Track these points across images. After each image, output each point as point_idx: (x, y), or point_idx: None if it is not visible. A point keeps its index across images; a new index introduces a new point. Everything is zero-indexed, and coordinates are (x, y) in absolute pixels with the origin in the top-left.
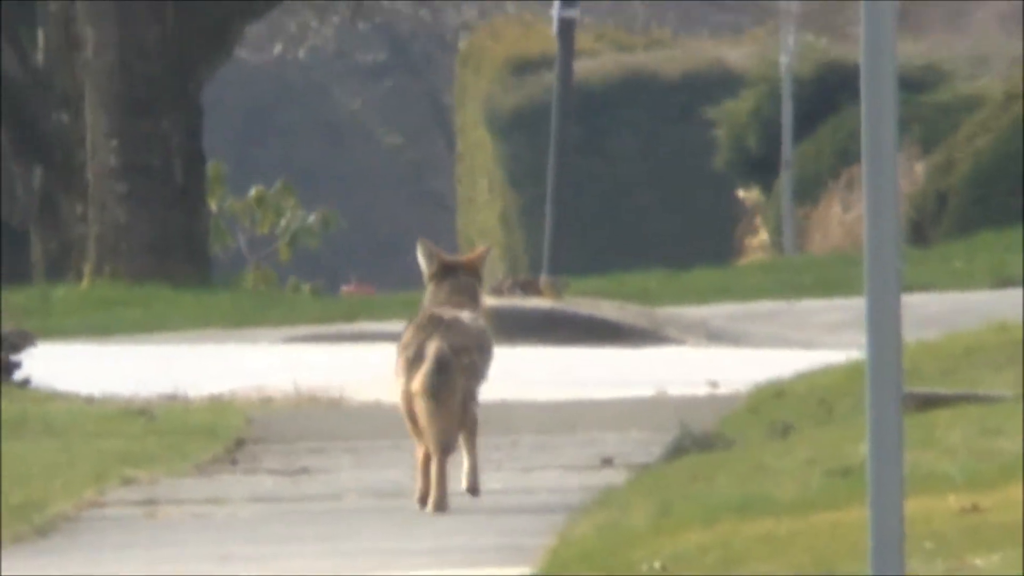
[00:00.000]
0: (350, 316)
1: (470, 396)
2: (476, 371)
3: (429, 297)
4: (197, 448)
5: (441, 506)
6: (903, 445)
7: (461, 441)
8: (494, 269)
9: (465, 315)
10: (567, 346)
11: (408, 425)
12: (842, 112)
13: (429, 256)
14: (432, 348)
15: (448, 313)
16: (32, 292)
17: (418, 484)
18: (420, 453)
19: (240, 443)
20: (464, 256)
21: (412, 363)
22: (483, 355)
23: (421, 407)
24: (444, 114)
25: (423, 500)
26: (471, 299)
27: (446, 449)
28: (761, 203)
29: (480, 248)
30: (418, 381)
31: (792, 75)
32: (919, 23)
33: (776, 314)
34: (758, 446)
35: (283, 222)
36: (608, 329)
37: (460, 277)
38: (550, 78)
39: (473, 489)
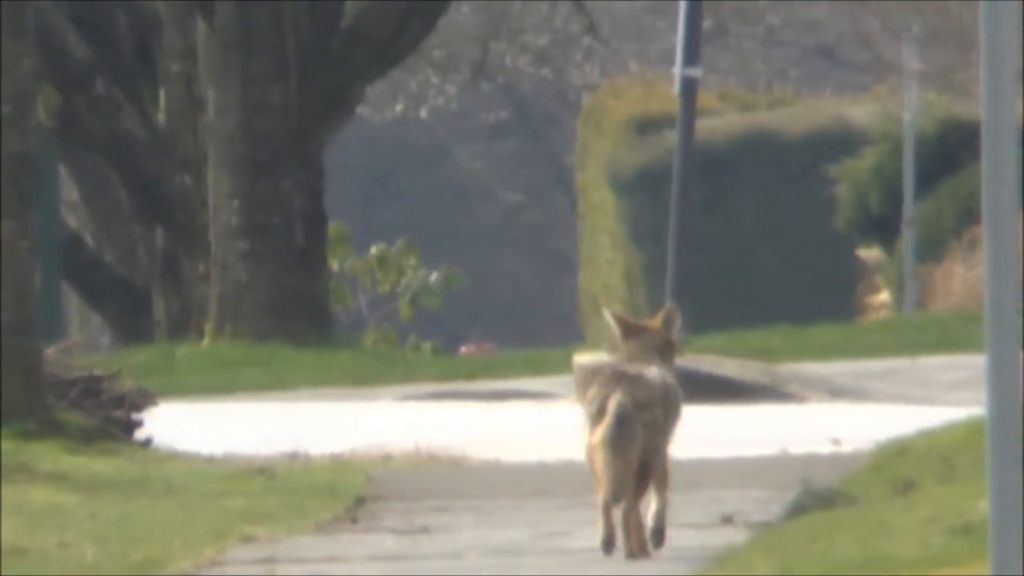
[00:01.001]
0: (470, 375)
1: (654, 451)
2: (658, 426)
3: (619, 357)
4: (317, 506)
5: (635, 555)
6: None
7: (652, 488)
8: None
9: (651, 371)
10: (688, 403)
11: (593, 479)
12: (964, 170)
13: (615, 320)
14: (613, 403)
15: (633, 368)
16: (154, 351)
17: (601, 527)
18: (600, 497)
19: (360, 501)
20: (650, 320)
21: (594, 417)
22: (668, 411)
23: (599, 457)
24: (565, 173)
25: (606, 544)
26: (658, 357)
27: (617, 498)
28: (882, 261)
29: (662, 311)
30: (598, 434)
31: (915, 133)
32: None
33: (898, 371)
34: (880, 504)
35: (404, 281)
36: (729, 386)
37: (648, 337)
38: (672, 137)
39: (657, 533)
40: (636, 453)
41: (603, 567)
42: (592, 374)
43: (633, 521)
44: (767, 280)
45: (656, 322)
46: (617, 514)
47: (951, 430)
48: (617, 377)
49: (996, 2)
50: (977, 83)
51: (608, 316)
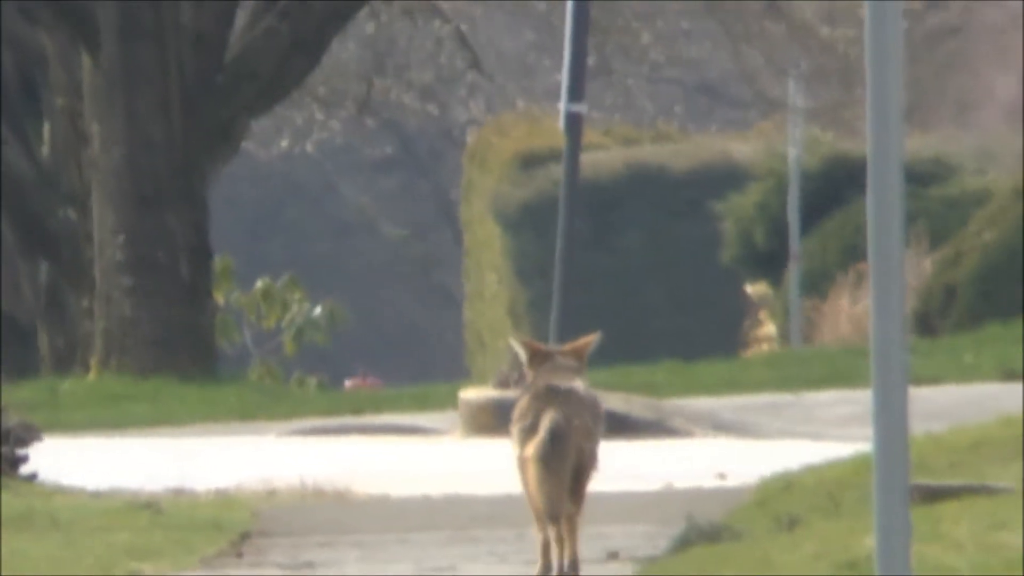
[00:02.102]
0: (356, 409)
1: (588, 459)
2: (591, 432)
3: (527, 384)
4: (203, 542)
5: (574, 570)
6: (910, 539)
7: (565, 529)
8: (501, 361)
9: (579, 385)
10: None
11: (526, 495)
12: (850, 206)
13: (522, 346)
14: (547, 419)
15: (564, 384)
16: (39, 386)
17: (540, 563)
18: (540, 537)
19: (246, 537)
20: (567, 344)
21: (527, 432)
22: (596, 422)
23: (533, 474)
24: (451, 209)
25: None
26: (572, 377)
27: (553, 516)
28: (768, 296)
29: (587, 337)
30: (531, 448)
31: (800, 168)
32: (926, 118)
33: (784, 406)
34: (765, 539)
35: (289, 316)
36: (615, 421)
37: (557, 359)
38: (557, 172)
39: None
40: (569, 468)
41: None
42: (523, 392)
43: (566, 536)
44: (653, 315)
45: (575, 344)
46: (549, 542)
47: (837, 465)
48: (550, 393)
49: (882, 39)
50: (862, 120)
51: (516, 344)
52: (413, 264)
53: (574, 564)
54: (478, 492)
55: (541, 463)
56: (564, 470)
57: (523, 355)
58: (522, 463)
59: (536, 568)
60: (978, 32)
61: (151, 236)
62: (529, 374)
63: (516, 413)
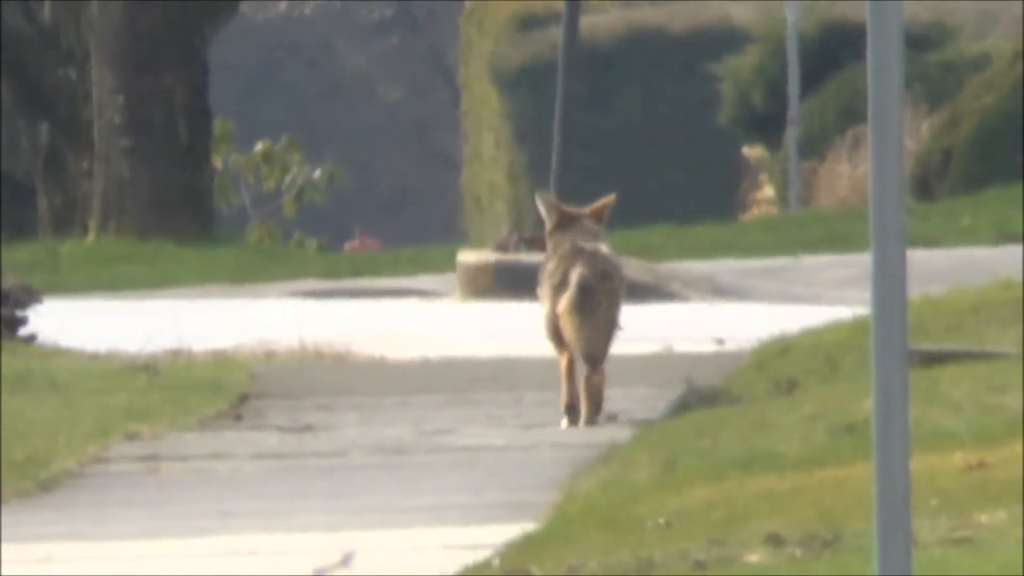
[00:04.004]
0: (355, 272)
1: (612, 320)
2: (616, 296)
3: (551, 248)
4: (201, 403)
5: (592, 421)
6: (908, 401)
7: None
8: (499, 224)
9: (603, 247)
10: None
11: (553, 345)
12: (847, 70)
13: (548, 207)
14: (576, 274)
15: (590, 245)
16: (38, 247)
17: (563, 392)
18: (564, 363)
19: (244, 399)
20: (588, 206)
21: (557, 288)
22: (620, 284)
23: (567, 324)
24: (448, 70)
25: (570, 409)
26: (595, 240)
27: (595, 360)
28: (766, 159)
29: (605, 198)
30: (563, 302)
31: (798, 32)
32: None
33: (781, 270)
34: (763, 402)
35: (288, 178)
36: None
37: (584, 223)
38: (555, 34)
39: (592, 418)
40: (601, 317)
41: (484, 465)
42: (551, 253)
43: (593, 387)
44: (651, 178)
45: (596, 207)
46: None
47: (835, 328)
48: (577, 251)
49: None
50: None
51: (540, 201)
52: (410, 126)
53: (597, 406)
54: (477, 355)
55: (575, 312)
56: (596, 317)
57: (549, 217)
58: (552, 318)
59: (561, 396)
60: None
61: (150, 97)
62: (553, 234)
63: (546, 272)
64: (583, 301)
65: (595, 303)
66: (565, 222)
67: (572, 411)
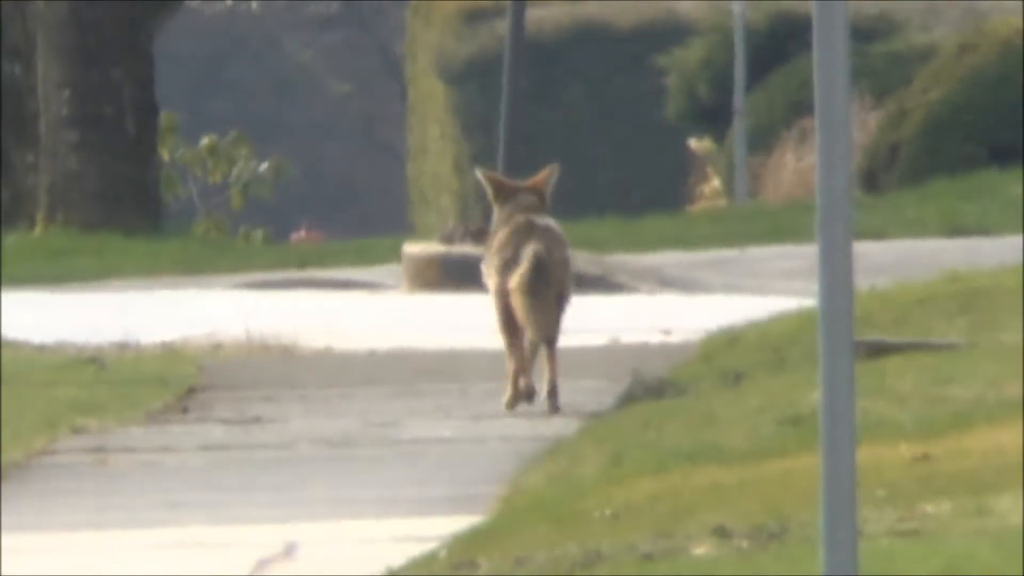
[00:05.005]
0: (301, 264)
1: (564, 297)
2: (567, 271)
3: (496, 218)
4: (148, 396)
5: (555, 407)
6: (855, 393)
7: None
8: (446, 217)
9: (553, 223)
10: None
11: (500, 323)
12: (794, 62)
13: (488, 181)
14: (529, 250)
15: (542, 220)
16: None
17: (509, 391)
18: (511, 365)
19: (191, 391)
20: (529, 180)
21: (508, 264)
22: (569, 259)
23: (520, 303)
24: (395, 64)
25: (514, 403)
26: (540, 215)
27: (549, 339)
28: (713, 152)
29: (544, 170)
30: (516, 280)
31: (744, 24)
32: None
33: (728, 262)
34: (710, 394)
35: (235, 171)
36: None
37: (521, 197)
38: (502, 27)
39: (554, 405)
40: (554, 295)
41: (431, 457)
42: (502, 223)
43: (549, 365)
44: (597, 171)
45: (537, 180)
46: (519, 372)
47: (781, 320)
48: (529, 227)
49: None
50: None
51: (481, 177)
52: (357, 119)
53: (554, 391)
54: (424, 347)
55: (528, 292)
56: (550, 296)
57: (488, 189)
58: (501, 293)
59: (505, 395)
60: None
61: (96, 91)
62: (496, 210)
63: (495, 245)
64: (537, 278)
65: (548, 281)
66: (505, 195)
67: (531, 396)
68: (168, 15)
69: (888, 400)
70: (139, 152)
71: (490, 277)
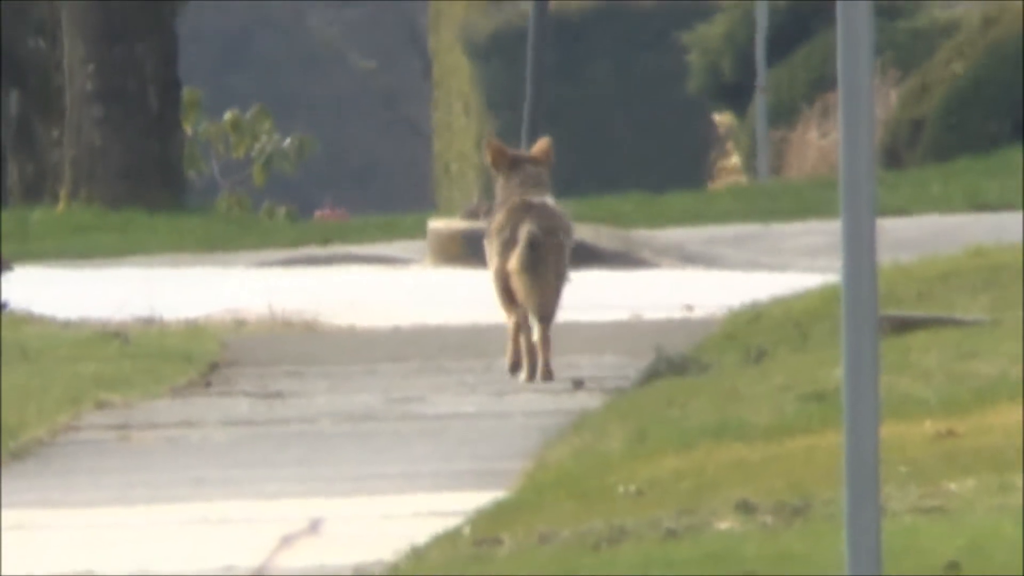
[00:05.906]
0: (324, 240)
1: (560, 274)
2: (563, 250)
3: (500, 189)
4: (172, 372)
5: (548, 375)
6: (879, 370)
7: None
8: (470, 193)
9: (550, 200)
10: None
11: (501, 302)
12: (816, 37)
13: (492, 151)
14: (524, 230)
15: (537, 199)
16: (8, 216)
17: (509, 353)
18: (511, 324)
19: (214, 367)
20: (531, 150)
21: (507, 244)
22: (568, 236)
23: (518, 282)
24: (420, 40)
25: (515, 368)
26: (542, 189)
27: (547, 316)
28: (735, 127)
29: (542, 141)
30: (514, 260)
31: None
32: None
33: (751, 238)
34: (733, 371)
35: (258, 147)
36: (582, 252)
37: (528, 168)
38: (526, 4)
39: (547, 373)
40: (551, 272)
41: (455, 433)
42: (499, 206)
43: (542, 343)
44: (620, 146)
45: (537, 150)
46: (522, 340)
47: (805, 297)
48: (525, 207)
49: None
50: None
51: (487, 146)
52: (381, 95)
53: (546, 367)
54: (447, 322)
55: (525, 271)
56: (548, 273)
57: (488, 156)
58: (502, 274)
59: (507, 356)
60: None
61: (120, 66)
62: (501, 180)
63: (494, 227)
64: (533, 258)
65: (544, 259)
66: (510, 165)
67: (515, 368)
68: None
69: (912, 376)
70: (162, 128)
71: (490, 259)
